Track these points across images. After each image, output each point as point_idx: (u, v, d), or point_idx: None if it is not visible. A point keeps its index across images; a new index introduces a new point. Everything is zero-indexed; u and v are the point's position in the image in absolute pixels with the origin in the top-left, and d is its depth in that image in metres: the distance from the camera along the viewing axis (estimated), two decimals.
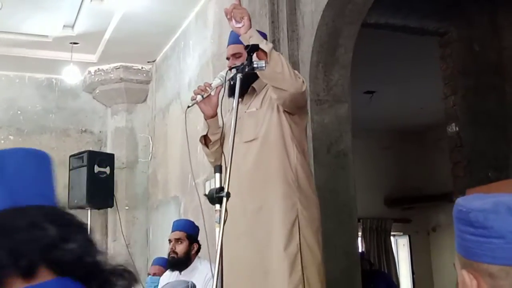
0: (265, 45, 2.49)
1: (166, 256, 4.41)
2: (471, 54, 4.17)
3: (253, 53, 2.36)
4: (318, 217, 2.77)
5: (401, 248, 9.06)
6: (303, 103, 2.75)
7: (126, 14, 5.76)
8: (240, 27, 2.55)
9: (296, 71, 2.69)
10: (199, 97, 2.77)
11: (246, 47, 2.39)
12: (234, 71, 2.45)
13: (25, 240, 0.91)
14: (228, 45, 2.93)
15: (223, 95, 2.80)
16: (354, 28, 3.72)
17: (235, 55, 2.85)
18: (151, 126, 6.90)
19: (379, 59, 5.56)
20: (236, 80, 2.45)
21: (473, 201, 1.07)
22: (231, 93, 2.80)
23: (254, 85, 2.83)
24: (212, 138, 2.96)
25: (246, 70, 2.34)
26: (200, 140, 2.99)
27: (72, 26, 6.23)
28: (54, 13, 5.89)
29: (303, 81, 2.59)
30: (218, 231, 2.19)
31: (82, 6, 5.77)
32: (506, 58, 4.16)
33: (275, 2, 3.90)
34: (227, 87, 2.76)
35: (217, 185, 2.23)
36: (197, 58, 5.68)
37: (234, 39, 2.85)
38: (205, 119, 2.93)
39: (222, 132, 2.91)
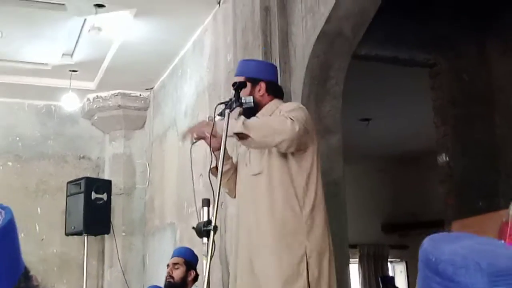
0: (238, 127, 2.52)
1: (160, 285, 4.46)
2: (460, 84, 4.25)
3: (241, 90, 2.43)
4: (329, 248, 2.76)
5: (398, 274, 9.06)
6: (305, 139, 2.71)
7: (124, 43, 5.86)
8: (210, 140, 2.63)
9: (294, 109, 2.71)
10: (206, 134, 2.79)
11: (234, 84, 2.46)
12: (222, 106, 2.52)
13: None
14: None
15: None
16: (344, 60, 3.80)
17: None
18: (149, 153, 6.96)
19: (373, 88, 5.64)
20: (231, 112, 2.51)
21: (442, 248, 1.10)
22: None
23: (258, 115, 2.83)
24: (223, 169, 2.96)
25: (234, 106, 2.41)
26: (212, 173, 2.91)
27: (71, 55, 6.33)
28: (53, 42, 5.99)
29: (291, 122, 2.57)
30: (205, 263, 2.24)
31: (81, 35, 5.87)
32: (495, 88, 4.24)
33: (268, 34, 3.98)
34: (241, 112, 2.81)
35: (205, 219, 2.29)
36: (194, 86, 5.76)
37: (236, 71, 2.94)
38: (212, 152, 2.90)
39: (231, 163, 2.95)
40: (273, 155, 2.72)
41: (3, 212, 1.00)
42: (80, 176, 6.56)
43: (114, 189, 6.68)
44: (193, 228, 2.31)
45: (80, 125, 7.26)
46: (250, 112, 2.76)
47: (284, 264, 2.56)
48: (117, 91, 6.94)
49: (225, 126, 2.42)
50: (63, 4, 5.35)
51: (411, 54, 4.33)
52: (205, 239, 2.26)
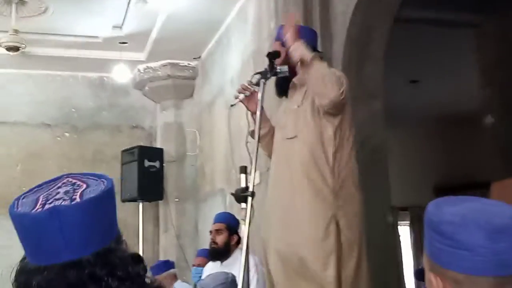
0: (308, 55, 2.62)
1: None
2: (506, 45, 4.16)
3: (274, 59, 2.48)
4: (360, 213, 2.80)
5: None
6: (342, 108, 2.77)
7: (170, 14, 5.96)
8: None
9: (339, 76, 2.75)
10: (241, 96, 2.88)
11: (268, 54, 2.51)
12: (258, 76, 2.58)
13: None
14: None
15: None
16: (385, 23, 3.78)
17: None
18: (198, 121, 7.10)
19: (418, 51, 5.54)
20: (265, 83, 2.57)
21: (443, 210, 1.16)
22: (279, 92, 2.94)
23: (294, 80, 2.87)
24: (260, 132, 3.05)
25: (268, 76, 2.46)
26: (251, 135, 3.05)
27: (121, 27, 6.48)
28: (103, 15, 6.16)
29: (342, 91, 2.64)
30: (244, 229, 2.34)
31: (129, 8, 6.01)
32: None
33: (309, 2, 3.99)
34: (273, 85, 2.88)
35: (243, 185, 2.38)
36: (239, 54, 5.82)
37: (277, 35, 2.97)
38: (251, 116, 2.98)
39: (269, 126, 3.02)
40: (308, 119, 2.76)
41: (105, 181, 1.10)
42: (134, 145, 6.77)
43: (166, 157, 6.87)
44: (232, 194, 2.41)
45: (132, 95, 7.46)
46: (285, 81, 2.81)
47: (313, 225, 2.63)
48: (166, 61, 7.08)
49: (260, 95, 2.48)
50: None
51: (455, 15, 4.25)
52: (243, 204, 2.35)
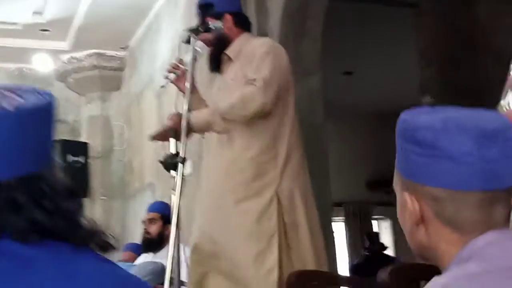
0: (219, 125, 2.48)
1: (138, 242, 4.31)
2: (444, 25, 4.08)
3: (208, 11, 2.24)
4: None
5: (383, 231, 9.00)
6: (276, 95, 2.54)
7: None
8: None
9: (250, 76, 2.51)
10: (171, 75, 2.68)
11: (200, 5, 2.28)
12: (189, 33, 2.33)
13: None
14: None
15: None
16: None
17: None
18: (127, 114, 6.76)
19: (355, 37, 5.46)
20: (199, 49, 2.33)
21: (420, 116, 0.95)
22: (212, 67, 2.70)
23: (227, 52, 2.64)
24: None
25: (201, 30, 2.23)
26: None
27: (42, 13, 6.08)
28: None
29: (259, 94, 2.43)
30: (173, 198, 2.09)
31: None
32: (480, 28, 4.08)
33: None
34: (205, 61, 2.66)
35: (172, 151, 2.12)
36: (170, 41, 5.55)
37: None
38: (182, 92, 2.81)
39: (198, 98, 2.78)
40: None
41: (46, 96, 0.90)
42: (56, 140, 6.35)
43: (91, 152, 6.50)
44: (160, 161, 2.15)
45: (54, 87, 7.00)
46: (220, 46, 2.58)
47: (252, 208, 2.43)
48: (91, 51, 6.71)
49: (191, 54, 2.23)
50: None
51: None
52: (173, 172, 2.10)
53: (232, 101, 2.42)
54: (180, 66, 2.67)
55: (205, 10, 2.27)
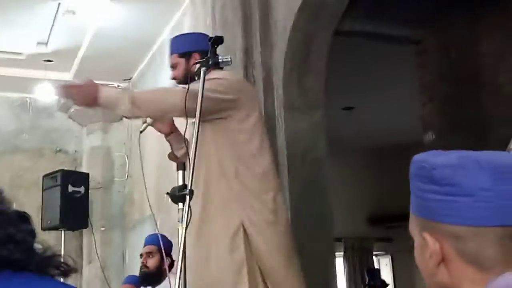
0: (125, 110, 2.48)
1: (137, 274, 4.26)
2: (448, 62, 4.12)
3: (218, 45, 2.27)
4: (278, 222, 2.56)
5: (383, 267, 8.94)
6: (214, 109, 2.51)
7: (100, 29, 5.68)
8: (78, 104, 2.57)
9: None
10: (149, 120, 2.73)
11: (210, 39, 2.30)
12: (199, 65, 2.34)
13: None
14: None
15: None
16: (327, 33, 3.65)
17: (173, 67, 2.84)
18: (128, 145, 6.77)
19: (356, 73, 5.51)
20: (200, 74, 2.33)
21: (435, 157, 0.96)
22: None
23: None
24: (178, 154, 2.86)
25: (210, 63, 2.25)
26: (171, 158, 2.89)
27: (46, 43, 6.13)
28: (27, 30, 5.80)
29: (181, 93, 2.42)
30: (180, 230, 2.08)
31: (55, 22, 5.68)
32: (484, 66, 4.12)
33: (248, 9, 3.83)
34: None
35: (180, 183, 2.12)
36: None
37: (170, 49, 2.86)
38: (165, 138, 2.88)
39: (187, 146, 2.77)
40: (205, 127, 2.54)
41: None
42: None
43: (92, 183, 6.47)
44: (167, 193, 2.15)
45: (56, 118, 7.05)
46: (186, 83, 2.59)
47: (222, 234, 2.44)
48: None
49: (200, 85, 2.25)
50: None
51: (395, 31, 4.19)
52: (180, 204, 2.09)
53: (154, 89, 2.49)
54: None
55: (215, 42, 2.28)
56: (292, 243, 2.59)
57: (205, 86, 2.25)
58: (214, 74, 2.51)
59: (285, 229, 2.58)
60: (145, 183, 2.91)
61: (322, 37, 3.67)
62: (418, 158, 0.98)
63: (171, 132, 2.85)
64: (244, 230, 2.45)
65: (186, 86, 2.37)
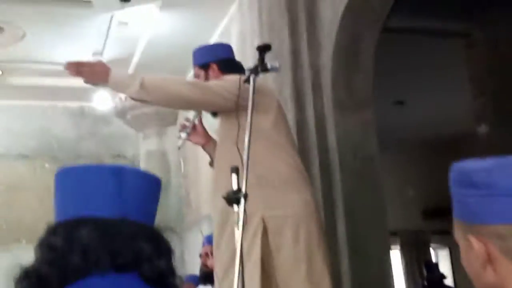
0: (134, 91, 2.51)
1: (196, 274, 4.39)
2: (497, 55, 4.08)
3: (266, 52, 2.34)
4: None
5: (442, 260, 8.84)
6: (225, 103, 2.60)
7: (152, 38, 5.86)
8: (87, 81, 2.59)
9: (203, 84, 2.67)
10: (183, 135, 2.83)
11: (258, 47, 2.38)
12: (248, 72, 2.43)
13: (124, 247, 1.06)
14: None
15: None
16: (374, 32, 3.69)
17: (196, 77, 2.91)
18: (182, 148, 6.92)
19: (406, 68, 5.49)
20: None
21: (473, 163, 1.02)
22: (211, 114, 2.83)
23: None
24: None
25: (259, 71, 2.33)
26: (212, 166, 2.92)
27: (101, 53, 6.35)
28: (82, 41, 6.03)
29: (192, 87, 2.54)
30: (236, 232, 2.17)
31: (109, 33, 5.89)
32: None
33: (294, 12, 3.90)
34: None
35: (235, 187, 2.21)
36: None
37: (193, 61, 2.94)
38: (203, 149, 2.94)
39: None
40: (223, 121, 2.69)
41: None
42: None
43: None
44: (223, 197, 2.24)
45: (113, 124, 7.29)
46: None
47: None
48: None
49: (250, 93, 2.34)
50: (90, 1, 5.38)
51: (445, 25, 4.17)
52: (235, 207, 2.18)
53: (165, 77, 2.58)
54: (187, 124, 2.83)
55: (263, 49, 2.36)
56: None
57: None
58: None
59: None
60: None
61: (368, 35, 3.70)
62: (456, 166, 1.04)
63: (207, 142, 2.92)
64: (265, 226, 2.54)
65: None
